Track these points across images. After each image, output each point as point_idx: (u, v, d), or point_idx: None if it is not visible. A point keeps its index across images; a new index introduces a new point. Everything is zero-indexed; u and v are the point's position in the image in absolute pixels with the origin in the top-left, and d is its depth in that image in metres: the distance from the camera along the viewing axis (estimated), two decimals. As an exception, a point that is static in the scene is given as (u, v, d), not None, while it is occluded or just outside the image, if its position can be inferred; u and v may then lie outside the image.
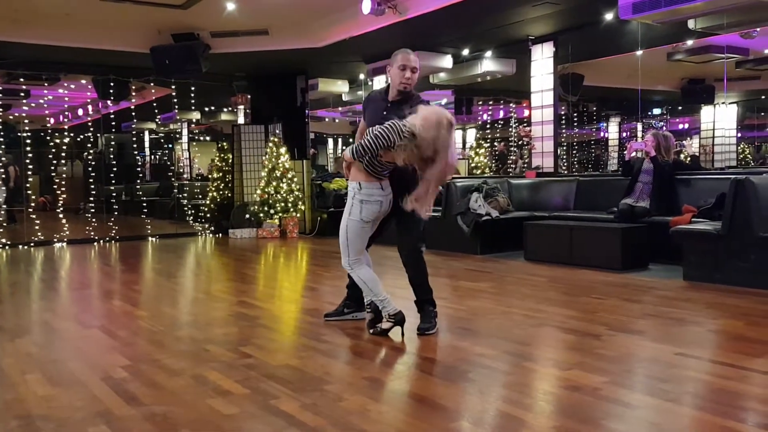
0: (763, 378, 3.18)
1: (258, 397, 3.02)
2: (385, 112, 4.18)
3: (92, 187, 11.29)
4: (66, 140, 11.86)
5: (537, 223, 7.55)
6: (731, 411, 2.73)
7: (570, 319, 4.49)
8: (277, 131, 11.40)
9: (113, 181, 11.67)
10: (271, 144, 11.18)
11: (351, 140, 20.94)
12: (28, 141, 10.50)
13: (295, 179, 11.24)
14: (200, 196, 13.66)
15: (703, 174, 7.55)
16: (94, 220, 11.16)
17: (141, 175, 17.35)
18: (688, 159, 12.71)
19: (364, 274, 4.16)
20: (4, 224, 11.59)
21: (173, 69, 10.05)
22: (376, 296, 4.12)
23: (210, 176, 13.11)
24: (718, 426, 2.57)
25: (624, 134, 15.29)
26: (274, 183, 11.05)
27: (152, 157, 20.00)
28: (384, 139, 3.75)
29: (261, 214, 11.11)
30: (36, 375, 3.45)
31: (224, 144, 12.46)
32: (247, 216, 11.33)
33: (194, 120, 16.66)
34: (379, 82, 11.88)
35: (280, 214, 11.08)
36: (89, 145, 14.56)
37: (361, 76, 11.98)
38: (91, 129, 14.06)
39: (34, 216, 10.72)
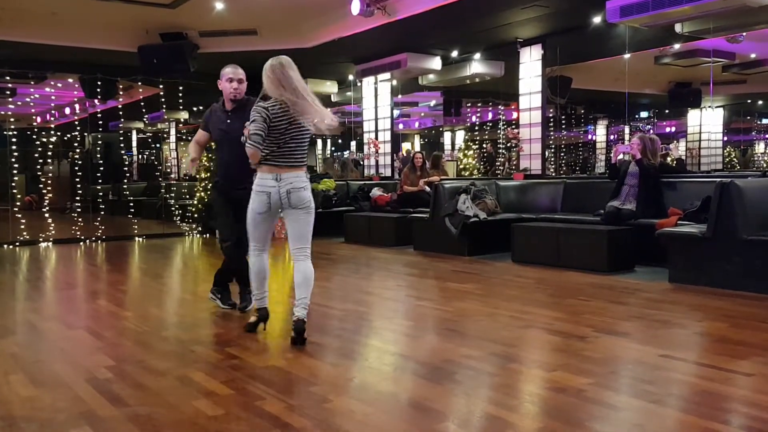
0: (746, 380, 3.21)
1: (243, 398, 3.01)
2: (228, 121, 4.72)
3: (79, 186, 11.22)
4: (53, 139, 11.80)
5: (524, 225, 7.57)
6: (715, 413, 2.75)
7: (556, 321, 4.51)
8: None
9: (100, 181, 11.58)
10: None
11: (339, 141, 20.94)
12: (14, 140, 10.41)
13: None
14: (188, 197, 13.59)
15: (689, 177, 7.60)
16: (80, 219, 11.08)
17: (128, 174, 17.23)
18: (674, 163, 12.80)
19: (254, 265, 4.24)
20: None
21: (161, 68, 10.01)
22: (255, 288, 4.27)
23: (198, 176, 13.04)
24: (702, 428, 2.59)
25: (611, 137, 15.39)
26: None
27: (140, 156, 19.91)
28: (259, 121, 3.85)
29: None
30: (19, 376, 3.42)
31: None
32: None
33: (182, 120, 16.59)
34: (368, 83, 11.90)
35: (268, 215, 11.02)
36: (76, 144, 14.47)
37: (350, 77, 11.99)
38: (78, 128, 13.96)
39: (19, 215, 10.63)
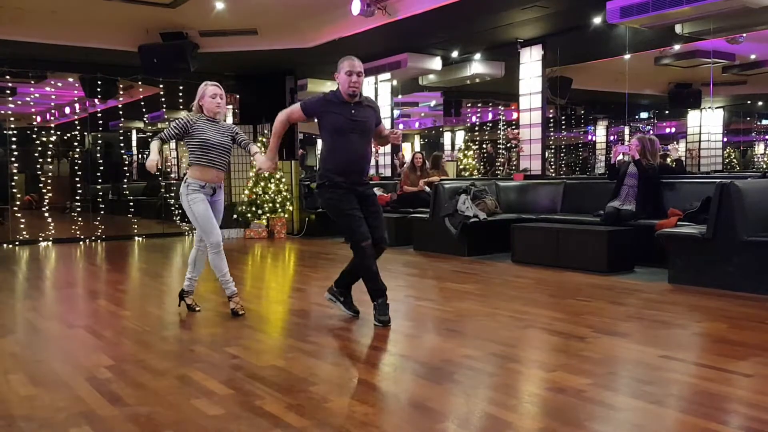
0: (746, 381, 3.21)
1: (243, 397, 3.01)
2: (353, 111, 4.47)
3: (79, 185, 11.20)
4: (52, 138, 11.77)
5: (524, 226, 7.57)
6: (714, 413, 2.75)
7: (555, 321, 4.51)
8: (266, 131, 11.38)
9: (100, 180, 11.58)
10: (259, 144, 11.15)
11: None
12: (14, 139, 10.41)
13: (284, 180, 11.22)
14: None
15: (689, 178, 7.60)
16: (80, 219, 11.08)
17: (128, 174, 17.22)
18: (674, 164, 12.80)
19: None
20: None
21: (161, 68, 10.00)
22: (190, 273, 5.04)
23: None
24: (701, 428, 2.59)
25: (611, 138, 15.37)
26: (262, 183, 11.03)
27: (140, 156, 19.85)
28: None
29: (249, 215, 11.08)
30: (19, 375, 3.42)
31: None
32: (235, 216, 11.29)
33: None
34: (368, 83, 11.90)
35: (268, 215, 11.05)
36: (76, 144, 14.46)
37: (351, 77, 11.97)
38: (78, 127, 13.94)
39: (19, 215, 10.62)
